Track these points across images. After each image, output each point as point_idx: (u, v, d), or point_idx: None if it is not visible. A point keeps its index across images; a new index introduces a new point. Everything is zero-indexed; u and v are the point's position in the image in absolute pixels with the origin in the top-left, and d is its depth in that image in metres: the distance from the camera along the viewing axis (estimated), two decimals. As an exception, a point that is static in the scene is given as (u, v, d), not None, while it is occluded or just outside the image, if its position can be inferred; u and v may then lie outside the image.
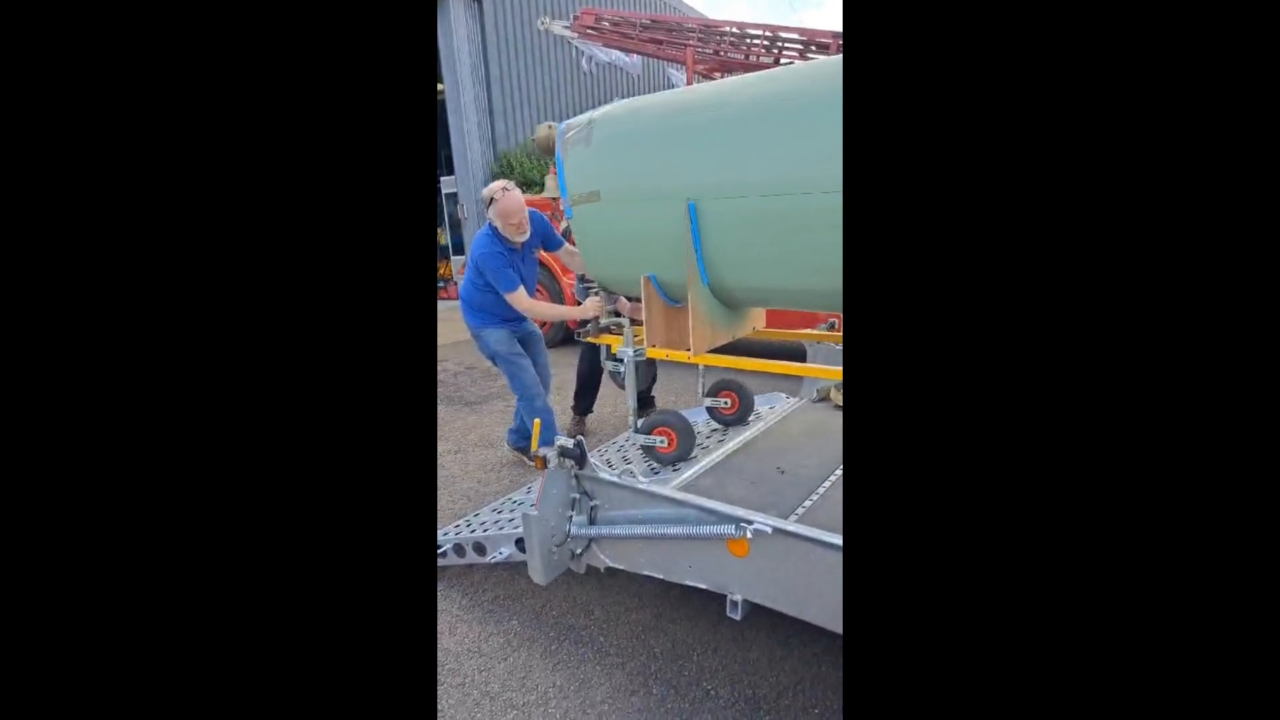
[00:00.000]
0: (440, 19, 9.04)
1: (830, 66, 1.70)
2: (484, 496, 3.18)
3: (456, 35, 9.06)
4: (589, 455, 1.77)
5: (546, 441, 3.17)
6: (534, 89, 10.47)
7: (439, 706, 1.83)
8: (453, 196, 10.82)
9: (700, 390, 2.84)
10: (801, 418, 2.90)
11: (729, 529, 1.50)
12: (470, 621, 2.22)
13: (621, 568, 1.82)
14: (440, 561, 2.40)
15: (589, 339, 2.48)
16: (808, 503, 2.00)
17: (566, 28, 6.39)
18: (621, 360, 2.20)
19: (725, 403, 2.85)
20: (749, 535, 1.47)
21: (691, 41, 5.62)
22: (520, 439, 3.43)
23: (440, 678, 1.95)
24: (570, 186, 2.09)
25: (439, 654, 2.05)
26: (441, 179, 11.09)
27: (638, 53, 6.66)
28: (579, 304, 2.73)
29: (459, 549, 2.31)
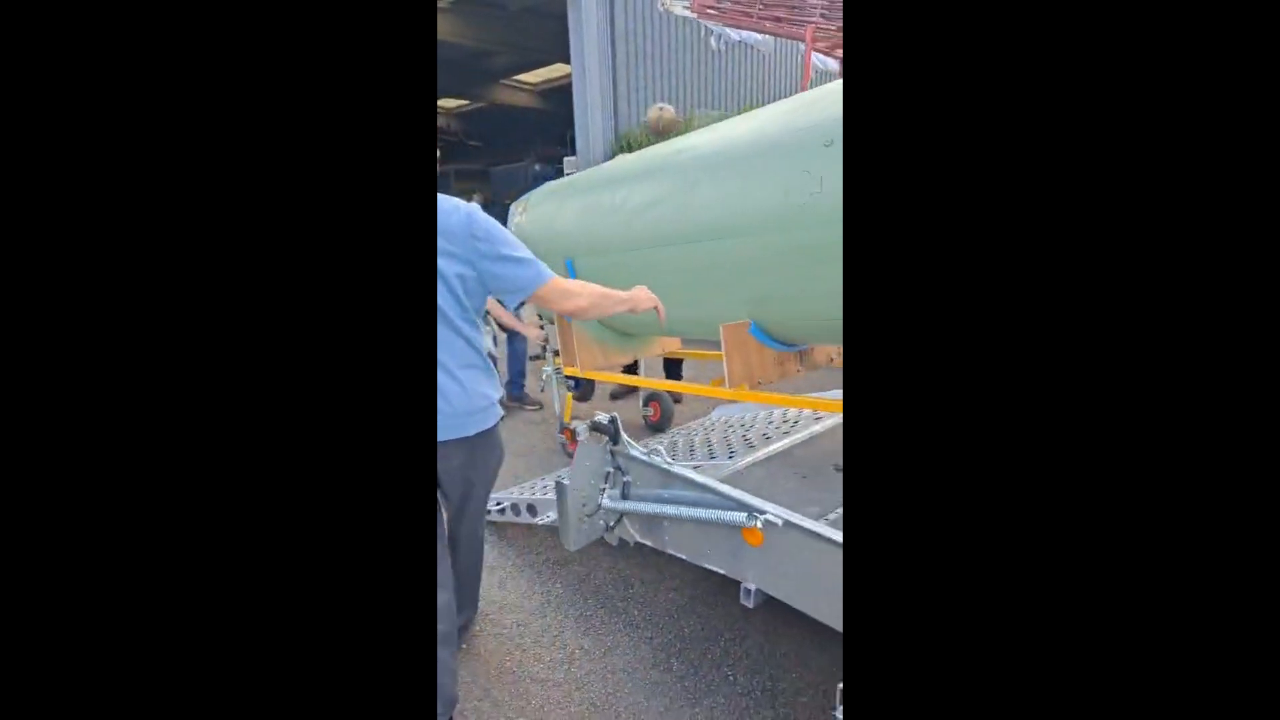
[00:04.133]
0: (570, 3, 9.28)
1: (663, 153, 2.41)
2: (535, 455, 3.35)
3: (586, 17, 9.27)
4: (623, 432, 1.81)
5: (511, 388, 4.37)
6: (660, 69, 10.51)
7: (479, 650, 1.98)
8: (574, 176, 11.15)
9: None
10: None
11: (741, 516, 1.49)
12: (519, 579, 2.36)
13: (649, 544, 1.86)
14: (500, 517, 2.57)
15: (539, 358, 3.50)
16: (852, 502, 1.93)
17: (687, 8, 6.33)
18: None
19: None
20: (759, 525, 1.46)
21: (814, 18, 5.39)
22: (514, 389, 4.43)
23: (482, 626, 2.10)
24: None
25: (486, 605, 2.20)
26: (565, 159, 11.47)
27: (759, 31, 6.48)
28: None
29: (515, 508, 2.46)
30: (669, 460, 1.74)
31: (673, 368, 4.06)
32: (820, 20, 5.40)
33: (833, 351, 2.53)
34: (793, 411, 3.15)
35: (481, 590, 2.29)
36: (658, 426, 3.57)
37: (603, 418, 1.81)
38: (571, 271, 2.67)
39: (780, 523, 1.44)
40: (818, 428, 2.66)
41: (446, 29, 11.76)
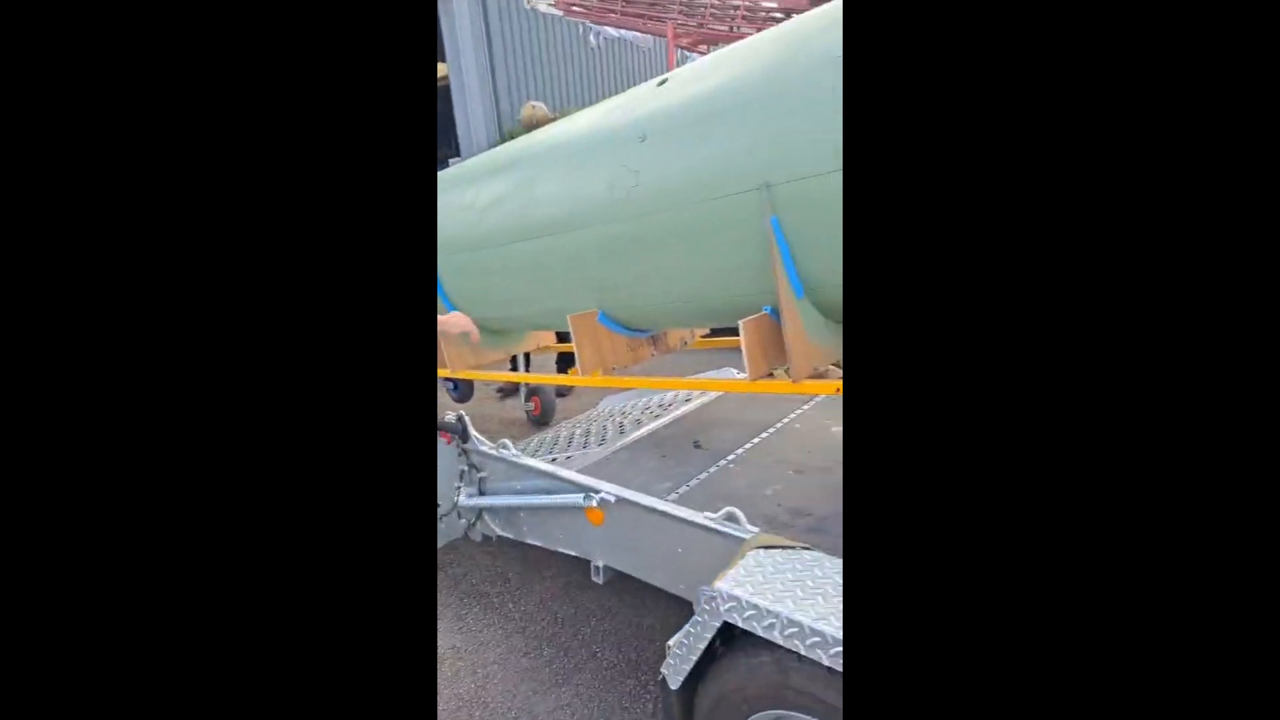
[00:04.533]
0: (441, 3, 9.06)
1: (508, 151, 2.46)
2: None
3: (458, 13, 9.08)
4: (471, 429, 1.84)
5: None
6: (539, 67, 10.43)
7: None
8: (462, 178, 10.92)
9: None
10: (741, 395, 2.93)
11: (579, 498, 1.56)
12: (393, 587, 2.34)
13: (510, 536, 1.90)
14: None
15: None
16: (703, 475, 2.04)
17: (552, 5, 6.35)
18: None
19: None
20: (595, 503, 1.53)
21: (674, 14, 5.55)
22: None
23: (354, 638, 2.07)
24: None
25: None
26: (450, 160, 11.23)
27: (623, 28, 6.60)
28: None
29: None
30: (516, 453, 1.79)
31: (566, 362, 4.10)
32: (680, 16, 5.56)
33: (685, 335, 2.65)
34: (669, 395, 3.27)
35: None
36: (541, 420, 3.59)
37: (450, 417, 1.83)
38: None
39: (614, 499, 1.52)
40: (684, 410, 2.78)
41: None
